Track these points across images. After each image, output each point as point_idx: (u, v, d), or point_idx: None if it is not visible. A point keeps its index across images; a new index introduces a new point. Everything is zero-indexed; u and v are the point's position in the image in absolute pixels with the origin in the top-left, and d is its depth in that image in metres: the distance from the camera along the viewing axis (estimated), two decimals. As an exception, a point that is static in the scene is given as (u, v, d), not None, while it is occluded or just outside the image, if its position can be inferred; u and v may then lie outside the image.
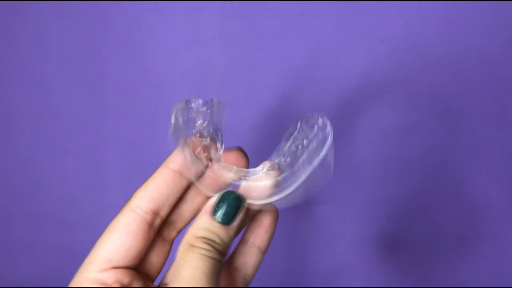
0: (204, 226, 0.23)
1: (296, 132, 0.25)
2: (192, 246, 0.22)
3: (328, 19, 0.45)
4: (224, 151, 0.26)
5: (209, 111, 0.25)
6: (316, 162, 0.24)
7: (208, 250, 0.22)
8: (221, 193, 0.24)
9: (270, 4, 0.45)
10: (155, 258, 0.26)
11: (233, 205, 0.24)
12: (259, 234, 0.27)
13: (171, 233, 0.26)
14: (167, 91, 0.46)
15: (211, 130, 0.25)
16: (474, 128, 0.46)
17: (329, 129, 0.24)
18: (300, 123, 0.25)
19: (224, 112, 0.25)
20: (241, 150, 0.26)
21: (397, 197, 0.48)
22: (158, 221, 0.25)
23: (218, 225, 0.23)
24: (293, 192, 0.24)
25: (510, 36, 0.45)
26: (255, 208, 0.26)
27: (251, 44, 0.45)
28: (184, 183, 0.25)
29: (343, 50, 0.45)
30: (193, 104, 0.24)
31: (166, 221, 0.26)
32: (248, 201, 0.25)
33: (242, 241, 0.27)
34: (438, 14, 0.44)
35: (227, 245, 0.24)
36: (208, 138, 0.25)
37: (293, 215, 0.48)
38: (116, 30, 0.46)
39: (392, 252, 0.49)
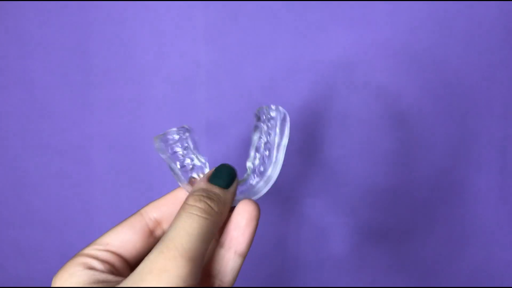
0: (201, 187, 0.25)
1: (259, 125, 0.28)
2: (187, 204, 0.24)
3: (313, 11, 0.45)
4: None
5: (184, 137, 0.28)
6: (283, 141, 0.28)
7: (200, 208, 0.24)
8: (217, 166, 0.27)
9: (255, -3, 0.44)
10: (128, 241, 0.27)
11: (228, 173, 0.26)
12: (234, 237, 0.26)
13: (156, 230, 0.28)
14: (154, 88, 0.46)
15: (193, 155, 0.28)
16: (464, 119, 0.47)
17: (283, 111, 0.28)
18: (257, 117, 0.28)
19: (194, 134, 0.28)
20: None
21: (385, 188, 0.48)
22: (159, 232, 0.27)
23: (214, 186, 0.26)
24: (275, 179, 0.28)
25: (499, 27, 0.45)
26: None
27: (237, 39, 0.45)
28: None
29: (329, 42, 0.45)
30: (169, 137, 0.27)
31: (152, 219, 0.28)
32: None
33: (218, 245, 0.26)
34: (425, 9, 0.45)
35: (224, 203, 0.25)
36: (192, 164, 0.28)
37: (283, 209, 0.48)
38: (101, 27, 0.45)
39: (382, 242, 0.50)
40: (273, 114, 0.27)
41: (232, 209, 0.26)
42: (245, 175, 0.28)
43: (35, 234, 0.49)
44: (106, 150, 0.47)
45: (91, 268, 0.24)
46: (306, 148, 0.47)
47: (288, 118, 0.27)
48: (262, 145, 0.28)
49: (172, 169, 0.27)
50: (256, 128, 0.28)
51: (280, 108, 0.27)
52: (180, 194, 0.27)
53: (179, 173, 0.27)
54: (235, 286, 0.26)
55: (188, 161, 0.27)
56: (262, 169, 0.28)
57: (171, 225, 0.23)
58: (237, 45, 0.45)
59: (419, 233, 0.49)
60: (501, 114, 0.47)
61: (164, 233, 0.26)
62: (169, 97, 0.46)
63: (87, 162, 0.47)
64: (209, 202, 0.24)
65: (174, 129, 0.27)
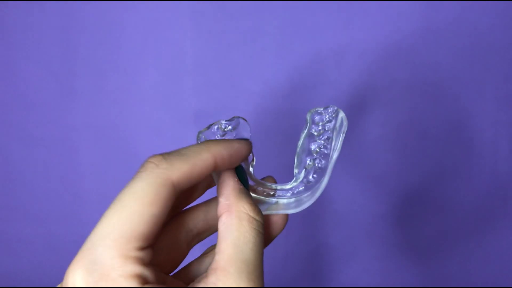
0: (253, 205, 0.23)
1: (311, 131, 0.25)
2: (251, 217, 0.22)
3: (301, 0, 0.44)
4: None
5: (232, 130, 0.25)
6: (336, 155, 0.24)
7: (261, 223, 0.23)
8: (237, 169, 0.25)
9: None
10: (174, 254, 0.25)
11: (244, 180, 0.25)
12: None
13: (193, 241, 0.26)
14: (139, 76, 0.45)
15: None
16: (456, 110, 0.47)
17: (342, 116, 0.24)
18: (311, 120, 0.25)
19: (247, 128, 0.25)
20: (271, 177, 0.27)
21: (379, 176, 0.48)
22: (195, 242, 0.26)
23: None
24: (322, 191, 0.24)
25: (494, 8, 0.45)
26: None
27: (223, 25, 0.44)
28: None
29: (319, 31, 0.44)
30: (216, 127, 0.25)
31: (194, 232, 0.26)
32: (285, 211, 0.25)
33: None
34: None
35: None
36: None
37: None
38: (86, 16, 0.44)
39: (373, 232, 0.50)
40: (329, 117, 0.24)
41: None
42: (292, 183, 0.26)
43: (22, 227, 0.48)
44: (93, 141, 0.46)
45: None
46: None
47: (345, 124, 0.23)
48: (316, 152, 0.25)
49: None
50: (308, 132, 0.25)
51: (341, 113, 0.24)
52: (212, 208, 0.26)
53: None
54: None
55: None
56: (312, 179, 0.25)
57: (239, 239, 0.21)
58: (224, 33, 0.45)
59: (413, 223, 0.49)
60: (493, 103, 0.47)
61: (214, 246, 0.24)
62: (156, 86, 0.45)
63: (74, 153, 0.47)
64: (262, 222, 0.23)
65: (223, 121, 0.25)
